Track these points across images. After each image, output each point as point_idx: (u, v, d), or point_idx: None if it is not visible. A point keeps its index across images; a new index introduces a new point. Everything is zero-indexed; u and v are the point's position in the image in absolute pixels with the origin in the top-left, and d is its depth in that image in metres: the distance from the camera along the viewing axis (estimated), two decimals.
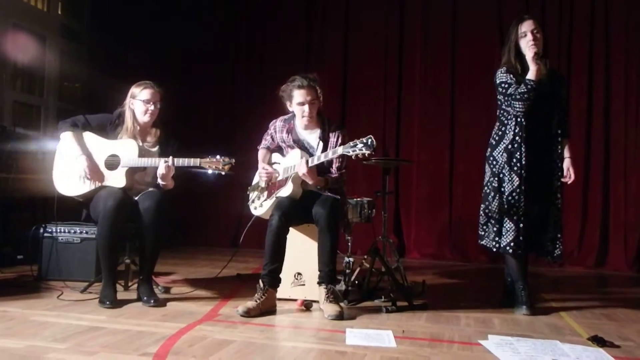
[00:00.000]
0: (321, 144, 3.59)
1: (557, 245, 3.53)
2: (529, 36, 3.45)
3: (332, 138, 3.58)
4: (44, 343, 2.57)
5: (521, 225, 3.45)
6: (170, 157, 3.46)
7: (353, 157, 3.23)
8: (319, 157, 3.42)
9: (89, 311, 3.22)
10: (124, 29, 6.55)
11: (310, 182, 3.43)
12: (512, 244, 3.45)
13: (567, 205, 5.75)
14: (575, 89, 6.03)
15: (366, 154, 3.19)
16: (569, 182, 3.60)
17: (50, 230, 4.15)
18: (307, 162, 3.36)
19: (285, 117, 3.74)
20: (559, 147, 3.54)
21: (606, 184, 6.00)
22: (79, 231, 4.15)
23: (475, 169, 5.57)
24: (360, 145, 3.18)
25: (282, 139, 3.69)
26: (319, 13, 6.84)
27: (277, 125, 3.75)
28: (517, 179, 3.45)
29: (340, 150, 3.27)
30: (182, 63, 6.98)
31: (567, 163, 3.59)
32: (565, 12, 6.10)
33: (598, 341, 2.84)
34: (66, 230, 4.16)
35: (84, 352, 2.44)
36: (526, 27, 3.48)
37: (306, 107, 3.52)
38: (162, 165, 3.45)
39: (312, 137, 3.63)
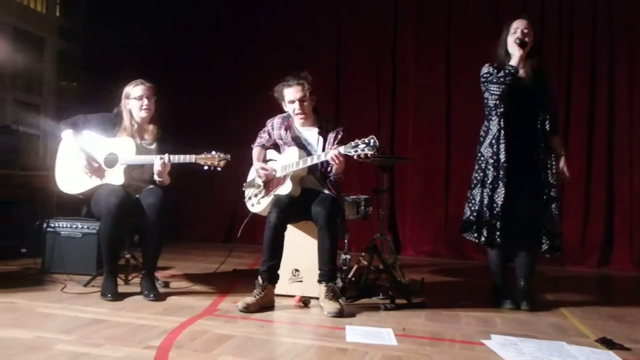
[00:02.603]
0: (321, 140, 3.61)
1: (545, 240, 3.53)
2: (518, 33, 3.51)
3: (331, 135, 3.60)
4: (51, 334, 2.64)
5: (498, 217, 3.47)
6: (166, 155, 3.52)
7: (355, 157, 3.23)
8: (319, 156, 3.44)
9: (92, 304, 3.29)
10: (119, 28, 6.60)
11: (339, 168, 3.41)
12: (485, 234, 3.52)
13: (568, 202, 5.81)
14: (577, 82, 5.97)
15: (369, 155, 3.19)
16: (567, 181, 3.66)
17: (53, 225, 4.23)
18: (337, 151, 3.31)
19: (284, 115, 3.76)
20: (545, 144, 3.55)
21: (610, 180, 5.90)
22: (80, 226, 4.23)
23: (471, 166, 5.49)
24: (362, 146, 3.19)
25: (280, 136, 3.71)
26: (313, 10, 6.84)
27: (274, 123, 3.77)
28: (495, 172, 3.50)
29: (341, 150, 3.27)
30: (177, 61, 7.01)
31: (561, 162, 3.62)
32: (567, 3, 6.04)
33: (607, 343, 2.75)
34: (68, 225, 4.24)
35: (90, 344, 2.51)
36: (518, 24, 3.54)
37: (297, 105, 3.56)
38: (157, 162, 3.52)
39: (310, 134, 3.66)
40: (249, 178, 3.87)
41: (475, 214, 3.60)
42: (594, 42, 5.98)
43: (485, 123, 3.67)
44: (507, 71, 3.45)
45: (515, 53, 3.48)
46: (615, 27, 5.92)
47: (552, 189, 3.53)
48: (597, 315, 3.55)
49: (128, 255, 3.95)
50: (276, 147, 3.83)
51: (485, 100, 3.63)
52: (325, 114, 3.82)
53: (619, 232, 5.85)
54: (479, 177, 3.62)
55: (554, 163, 3.57)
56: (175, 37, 7.05)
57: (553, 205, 3.53)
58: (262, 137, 3.84)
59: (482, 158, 3.62)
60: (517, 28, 3.52)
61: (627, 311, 3.72)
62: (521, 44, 3.46)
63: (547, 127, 3.56)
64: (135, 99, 3.68)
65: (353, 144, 3.24)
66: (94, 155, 3.62)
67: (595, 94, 5.97)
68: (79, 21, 6.77)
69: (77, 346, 2.49)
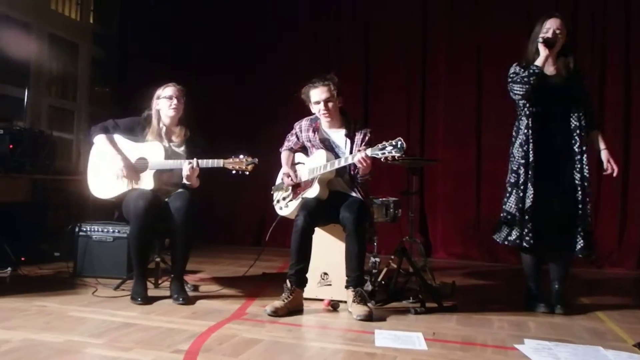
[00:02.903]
0: (348, 142, 3.60)
1: (579, 240, 3.42)
2: (549, 32, 3.45)
3: (358, 136, 3.58)
4: (81, 338, 2.66)
5: (527, 218, 3.42)
6: (195, 159, 3.55)
7: (382, 159, 3.20)
8: (346, 159, 3.42)
9: (122, 307, 3.32)
10: (151, 35, 6.70)
11: (366, 170, 3.39)
12: (518, 236, 3.45)
13: (605, 204, 5.69)
14: (610, 80, 5.83)
15: (396, 157, 3.16)
16: (614, 174, 3.53)
17: (84, 229, 4.29)
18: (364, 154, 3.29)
19: (312, 117, 3.76)
20: (582, 141, 3.45)
21: None
22: (111, 230, 4.28)
23: (502, 167, 5.38)
24: (389, 148, 3.16)
25: (308, 138, 3.71)
26: (341, 11, 6.79)
27: (302, 125, 3.77)
28: (524, 172, 3.45)
29: (368, 152, 3.25)
30: (208, 65, 7.05)
31: (604, 155, 3.54)
32: (599, 1, 5.89)
33: None
34: (100, 229, 4.29)
35: (119, 348, 2.53)
36: (550, 23, 3.47)
37: (322, 105, 3.55)
38: (186, 167, 3.55)
39: (338, 136, 3.65)
40: (278, 181, 3.87)
41: (507, 215, 3.55)
42: (628, 40, 5.83)
43: (516, 123, 3.62)
44: (531, 71, 3.41)
45: (541, 52, 3.43)
46: None
47: (585, 187, 3.44)
48: (635, 319, 3.46)
49: (158, 259, 3.98)
50: (304, 150, 3.82)
51: (516, 101, 3.58)
52: (354, 116, 3.80)
53: None
54: (512, 180, 3.56)
55: (586, 159, 3.45)
56: (207, 41, 7.09)
57: (587, 204, 3.44)
58: (290, 141, 3.84)
59: (513, 159, 3.58)
60: (549, 28, 3.46)
61: None
62: (546, 42, 3.41)
63: (583, 123, 3.47)
64: (165, 98, 3.74)
65: (380, 146, 3.21)
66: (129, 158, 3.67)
67: (630, 93, 5.81)
68: (113, 28, 6.89)
69: (106, 350, 2.51)
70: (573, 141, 3.46)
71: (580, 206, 3.43)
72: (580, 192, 3.44)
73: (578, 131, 3.45)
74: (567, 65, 3.52)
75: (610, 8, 5.88)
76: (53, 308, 3.25)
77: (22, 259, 4.44)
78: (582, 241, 3.42)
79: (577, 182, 3.45)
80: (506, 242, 3.55)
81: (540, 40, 3.42)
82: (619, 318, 3.45)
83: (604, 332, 3.10)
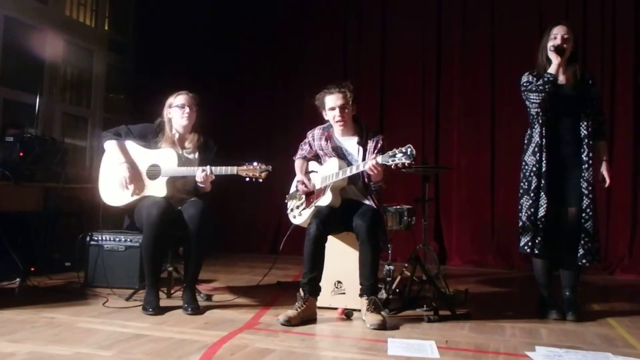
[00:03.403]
0: (361, 150, 3.58)
1: (581, 247, 3.44)
2: (558, 39, 3.49)
3: (371, 144, 3.57)
4: (90, 350, 2.62)
5: (540, 226, 3.44)
6: (208, 167, 3.51)
7: (392, 166, 3.19)
8: (357, 167, 3.40)
9: (133, 318, 3.28)
10: (167, 41, 6.69)
11: (377, 177, 3.39)
12: (529, 243, 3.48)
13: (616, 210, 5.75)
14: (620, 87, 5.85)
15: (406, 164, 3.15)
16: (606, 185, 3.60)
17: (96, 238, 4.26)
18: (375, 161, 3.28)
19: (324, 125, 3.75)
20: (589, 150, 3.47)
21: None
22: (123, 239, 4.25)
23: (517, 172, 5.39)
24: (399, 155, 3.15)
25: (321, 147, 3.69)
26: (356, 20, 6.83)
27: (315, 133, 3.76)
28: (537, 180, 3.48)
29: (379, 159, 3.23)
30: (223, 72, 7.08)
31: (603, 167, 3.58)
32: (608, 7, 5.92)
33: None
34: (111, 239, 4.26)
35: None
36: (558, 30, 3.51)
37: (337, 112, 3.53)
38: (199, 174, 3.51)
39: (350, 144, 3.63)
40: (292, 190, 3.85)
41: (521, 223, 3.58)
42: (637, 45, 5.84)
43: (528, 131, 3.64)
44: (545, 79, 3.43)
45: (554, 60, 3.46)
46: None
47: (591, 195, 3.47)
48: None
49: (170, 268, 3.94)
50: (317, 158, 3.80)
51: (528, 109, 3.60)
52: (368, 123, 3.79)
53: None
54: (524, 187, 3.59)
55: (591, 165, 3.49)
56: (220, 48, 7.10)
57: (592, 211, 3.47)
58: (304, 149, 3.84)
59: (526, 167, 3.60)
60: (556, 34, 3.50)
61: None
62: (557, 50, 3.44)
63: (591, 132, 3.49)
64: (177, 107, 3.71)
65: (390, 153, 3.20)
66: (136, 166, 3.64)
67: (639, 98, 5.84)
68: (128, 35, 6.91)
69: None
70: (582, 150, 3.49)
71: (583, 215, 3.46)
72: (585, 200, 3.46)
73: (587, 140, 3.48)
74: (575, 74, 3.55)
75: (620, 12, 5.90)
76: (62, 319, 3.20)
77: (32, 269, 4.41)
78: (583, 248, 3.45)
79: (583, 190, 3.47)
80: (519, 250, 3.59)
81: (552, 48, 3.46)
82: (629, 324, 3.46)
83: (614, 339, 3.11)
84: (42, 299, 3.69)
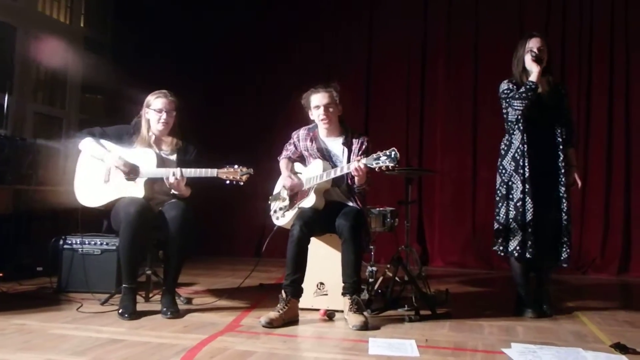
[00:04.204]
0: (345, 150, 3.59)
1: (565, 249, 3.59)
2: (534, 50, 3.61)
3: (356, 144, 3.58)
4: (63, 356, 2.52)
5: (529, 230, 3.53)
6: (178, 169, 3.43)
7: (376, 169, 3.20)
8: (342, 169, 3.40)
9: (109, 323, 3.18)
10: (146, 41, 6.56)
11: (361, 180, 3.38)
12: (517, 247, 3.56)
13: (589, 212, 5.99)
14: (595, 93, 6.05)
15: (390, 167, 3.16)
16: (578, 188, 3.82)
17: (70, 241, 4.12)
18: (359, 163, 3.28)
19: (309, 126, 3.75)
20: (564, 156, 3.63)
21: (628, 189, 5.97)
22: (99, 242, 4.11)
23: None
24: (383, 158, 3.16)
25: (306, 147, 3.69)
26: (343, 21, 6.86)
27: (300, 134, 3.75)
28: (522, 185, 3.57)
29: (364, 162, 3.23)
30: (205, 72, 7.02)
31: (572, 172, 3.74)
32: (586, 16, 6.09)
33: (621, 348, 2.81)
34: (86, 242, 4.11)
35: None
36: (533, 43, 3.63)
37: (322, 110, 3.54)
38: (170, 177, 3.42)
39: (335, 145, 3.63)
40: (275, 191, 3.83)
41: (500, 227, 3.68)
42: (612, 53, 6.04)
43: (507, 137, 3.73)
44: (528, 86, 3.54)
45: (534, 69, 3.58)
46: (631, 37, 6.00)
47: (568, 199, 3.62)
48: (614, 321, 3.59)
49: (149, 272, 3.83)
50: (302, 159, 3.80)
51: (505, 115, 3.72)
52: (353, 125, 3.81)
53: (637, 241, 5.91)
54: (503, 192, 3.68)
55: (567, 171, 3.65)
56: (202, 47, 7.05)
57: (569, 215, 3.62)
58: (288, 150, 3.83)
59: (505, 172, 3.69)
60: (532, 47, 3.62)
61: None
62: (537, 59, 3.57)
63: (565, 139, 3.65)
64: (154, 110, 3.61)
65: (375, 156, 3.21)
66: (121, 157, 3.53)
67: (612, 110, 6.04)
68: (106, 32, 6.74)
69: None
70: (558, 156, 3.63)
71: (564, 217, 3.61)
72: (565, 203, 3.60)
73: (562, 147, 3.63)
74: (549, 83, 3.71)
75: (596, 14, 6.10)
76: (33, 326, 3.07)
77: (1, 274, 4.26)
78: (565, 252, 3.60)
79: (561, 194, 3.61)
80: (508, 254, 3.64)
81: (533, 58, 3.57)
82: (600, 321, 3.57)
83: (586, 335, 3.21)
84: (11, 305, 3.54)
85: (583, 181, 3.90)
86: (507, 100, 3.62)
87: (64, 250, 4.11)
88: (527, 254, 3.53)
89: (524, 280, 3.69)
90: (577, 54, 6.09)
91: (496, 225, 3.70)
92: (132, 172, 3.47)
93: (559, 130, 3.63)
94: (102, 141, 3.60)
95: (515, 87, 3.61)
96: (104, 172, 3.56)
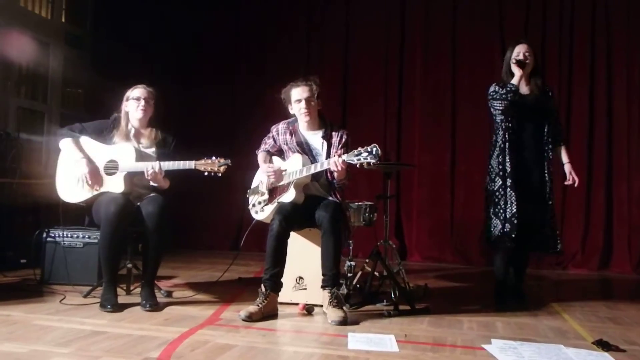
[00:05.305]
0: (325, 144, 3.60)
1: (558, 241, 3.80)
2: (520, 55, 3.82)
3: (335, 138, 3.60)
4: (47, 347, 2.57)
5: (514, 222, 3.66)
6: (157, 162, 3.47)
7: (357, 165, 3.23)
8: (322, 164, 3.42)
9: (91, 315, 3.23)
10: (126, 35, 6.56)
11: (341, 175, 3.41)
12: (497, 238, 3.73)
13: (570, 207, 6.01)
14: (577, 91, 6.10)
15: (371, 163, 3.20)
16: (575, 185, 3.93)
17: (53, 234, 4.16)
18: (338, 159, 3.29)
19: (289, 120, 3.75)
20: (550, 153, 3.83)
21: (609, 185, 6.03)
22: (81, 236, 4.16)
23: (476, 171, 5.65)
24: (365, 154, 3.18)
25: (285, 141, 3.69)
26: (320, 16, 6.86)
27: (279, 128, 3.75)
28: (501, 181, 3.75)
29: (344, 158, 3.26)
30: (184, 66, 7.05)
31: (567, 168, 3.94)
32: (566, 16, 6.15)
33: (603, 345, 2.82)
34: (69, 235, 4.16)
35: (87, 357, 2.45)
36: (520, 48, 3.84)
37: (303, 104, 3.56)
38: (149, 170, 3.46)
39: (315, 139, 3.64)
40: (254, 185, 3.83)
41: (489, 220, 3.83)
42: (593, 51, 6.10)
43: (494, 137, 3.90)
44: (508, 89, 3.75)
45: (516, 72, 3.79)
46: (612, 35, 6.07)
47: (552, 193, 3.82)
48: (596, 318, 3.61)
49: (130, 265, 3.88)
50: (281, 153, 3.80)
51: (493, 116, 3.89)
52: (331, 119, 3.82)
53: (618, 236, 5.97)
54: (490, 188, 3.85)
55: (551, 168, 3.84)
56: (182, 41, 7.07)
57: (554, 208, 3.85)
58: (267, 144, 3.82)
59: (492, 170, 3.85)
60: (519, 52, 3.83)
61: (624, 313, 3.79)
62: (519, 63, 3.78)
63: (550, 137, 3.85)
64: (133, 99, 3.66)
65: (356, 152, 3.23)
66: (94, 162, 3.57)
67: (594, 105, 6.11)
68: (86, 27, 6.73)
69: (73, 359, 2.43)
70: (543, 153, 3.83)
71: (550, 210, 3.81)
72: (549, 196, 3.80)
73: (547, 145, 3.84)
74: (537, 85, 3.89)
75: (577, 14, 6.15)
76: (17, 317, 3.12)
77: None
78: (560, 242, 3.82)
79: (546, 189, 3.81)
80: (493, 239, 3.80)
81: (514, 61, 3.79)
82: (580, 317, 3.60)
83: (567, 331, 3.22)
84: None
85: (562, 179, 3.99)
86: (490, 101, 3.81)
87: (47, 243, 4.15)
88: (503, 243, 3.71)
89: (503, 272, 3.88)
90: (558, 50, 6.12)
91: (486, 221, 3.86)
92: (95, 184, 3.52)
93: (545, 130, 3.82)
94: (82, 139, 3.63)
95: (501, 88, 3.77)
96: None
